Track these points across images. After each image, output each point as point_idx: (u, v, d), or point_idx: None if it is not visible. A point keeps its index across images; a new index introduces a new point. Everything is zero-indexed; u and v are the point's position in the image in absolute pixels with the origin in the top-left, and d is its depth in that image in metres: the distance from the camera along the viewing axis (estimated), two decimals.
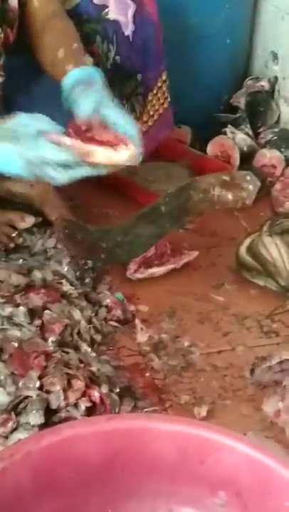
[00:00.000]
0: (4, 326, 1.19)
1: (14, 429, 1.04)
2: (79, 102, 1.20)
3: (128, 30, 1.54)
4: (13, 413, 1.06)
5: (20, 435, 1.02)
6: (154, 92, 1.63)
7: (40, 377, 1.12)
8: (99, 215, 1.71)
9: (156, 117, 1.66)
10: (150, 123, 1.66)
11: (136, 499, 0.95)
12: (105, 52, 1.52)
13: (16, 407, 1.07)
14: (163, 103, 1.66)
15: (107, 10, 1.52)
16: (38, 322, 1.24)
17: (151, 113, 1.65)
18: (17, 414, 1.06)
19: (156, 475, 0.95)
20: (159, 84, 1.64)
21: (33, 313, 1.25)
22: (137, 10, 1.54)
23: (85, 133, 1.13)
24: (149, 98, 1.63)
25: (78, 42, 1.36)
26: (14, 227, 1.54)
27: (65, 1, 1.53)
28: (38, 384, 1.11)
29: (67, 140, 1.10)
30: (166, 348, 1.35)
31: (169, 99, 1.67)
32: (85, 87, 1.22)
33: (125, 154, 1.11)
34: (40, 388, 1.11)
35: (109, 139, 1.13)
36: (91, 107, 1.18)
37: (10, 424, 1.03)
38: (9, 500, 0.87)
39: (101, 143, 1.11)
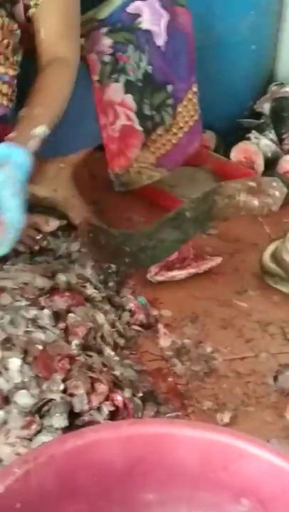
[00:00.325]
0: (29, 329, 1.19)
1: (38, 432, 1.04)
2: None
3: (160, 40, 1.53)
4: (37, 416, 1.06)
5: (44, 438, 1.03)
6: (184, 103, 1.62)
7: (64, 380, 1.12)
8: (122, 219, 1.72)
9: (186, 129, 1.64)
10: (180, 135, 1.64)
11: (157, 505, 0.95)
12: (137, 61, 1.52)
13: (40, 410, 1.08)
14: (193, 115, 1.65)
15: (140, 19, 1.51)
16: (62, 325, 1.24)
17: (181, 125, 1.63)
18: (41, 417, 1.06)
19: (178, 481, 0.95)
20: (190, 96, 1.62)
21: (57, 316, 1.26)
22: (170, 21, 1.54)
23: None
24: (179, 110, 1.62)
25: (47, 105, 1.33)
26: (39, 230, 1.55)
27: (99, 9, 1.53)
28: (62, 387, 1.11)
29: None
30: (189, 354, 1.35)
31: (199, 111, 1.65)
32: None
33: None
34: (64, 391, 1.11)
35: None
36: None
37: (34, 427, 1.04)
38: (33, 503, 0.87)
39: None
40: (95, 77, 1.52)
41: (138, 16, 1.51)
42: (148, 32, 1.52)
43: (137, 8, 1.52)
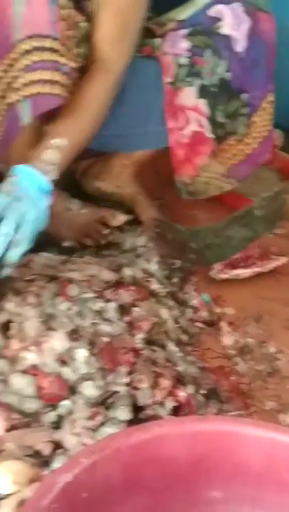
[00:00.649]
0: (95, 321, 1.20)
1: (102, 423, 1.05)
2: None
3: (239, 46, 1.49)
4: (102, 407, 1.07)
5: (108, 429, 1.03)
6: (259, 113, 1.57)
7: (128, 374, 1.13)
8: (186, 216, 1.71)
9: (260, 139, 1.60)
10: (254, 145, 1.60)
11: (221, 502, 0.95)
12: (213, 66, 1.49)
13: (105, 402, 1.09)
14: (267, 125, 1.60)
15: (220, 23, 1.48)
16: (126, 319, 1.25)
17: (254, 135, 1.59)
18: (106, 409, 1.07)
19: (242, 480, 0.94)
20: (264, 105, 1.57)
21: (122, 310, 1.26)
22: (252, 27, 1.50)
23: None
24: (254, 119, 1.58)
25: (76, 116, 1.32)
26: (106, 225, 1.57)
27: (180, 10, 1.52)
28: (126, 380, 1.12)
29: None
30: (252, 353, 1.35)
31: (273, 121, 1.61)
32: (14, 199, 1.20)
33: None
34: (128, 384, 1.12)
35: None
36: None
37: (99, 418, 1.04)
38: (98, 495, 0.88)
39: None
40: (168, 79, 1.50)
41: (218, 19, 1.48)
42: (227, 37, 1.48)
43: (218, 12, 1.49)
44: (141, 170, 1.66)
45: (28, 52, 1.26)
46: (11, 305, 1.16)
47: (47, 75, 1.28)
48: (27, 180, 1.23)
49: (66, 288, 1.25)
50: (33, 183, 1.23)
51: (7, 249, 1.16)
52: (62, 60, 1.29)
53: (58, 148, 1.28)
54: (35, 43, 1.26)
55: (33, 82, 1.28)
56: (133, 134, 1.56)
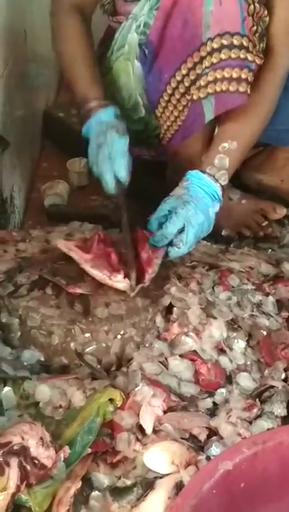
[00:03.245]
0: (254, 313, 1.20)
1: (258, 416, 1.05)
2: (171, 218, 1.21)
3: None
4: (257, 400, 1.07)
5: (264, 423, 1.03)
6: None
7: (285, 370, 1.12)
8: None
9: None
10: None
11: None
12: None
13: (261, 395, 1.08)
14: None
15: None
16: (284, 314, 1.24)
17: None
18: (261, 402, 1.07)
19: None
20: None
21: (280, 305, 1.25)
22: None
23: (109, 244, 1.20)
24: None
25: (243, 122, 1.33)
26: (265, 217, 1.56)
27: None
28: (283, 375, 1.11)
29: (73, 254, 1.19)
30: None
31: None
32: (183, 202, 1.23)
33: (117, 285, 1.15)
34: (285, 380, 1.11)
35: (114, 262, 1.17)
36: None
37: (255, 411, 1.04)
38: (256, 487, 0.88)
39: (109, 261, 1.17)
40: None
41: None
42: None
43: None
44: None
45: (216, 50, 1.26)
46: (173, 289, 1.18)
47: (234, 73, 1.28)
48: (198, 186, 1.26)
49: (227, 277, 1.25)
50: (204, 189, 1.26)
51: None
52: (250, 56, 1.27)
53: (228, 152, 1.29)
54: (225, 41, 1.26)
55: (218, 80, 1.28)
56: None
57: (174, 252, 1.22)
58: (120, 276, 1.15)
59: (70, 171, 1.78)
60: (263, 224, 1.54)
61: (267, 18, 1.34)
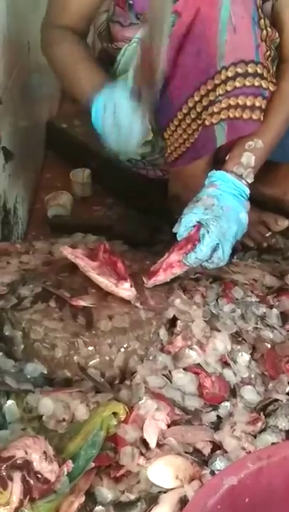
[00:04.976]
0: (258, 326, 1.20)
1: (262, 430, 1.04)
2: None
3: None
4: (262, 413, 1.06)
5: (268, 437, 1.02)
6: None
7: None
8: None
9: None
10: None
11: None
12: None
13: (265, 408, 1.08)
14: None
15: None
16: (288, 327, 1.23)
17: None
18: (266, 416, 1.06)
19: None
20: None
21: (284, 317, 1.25)
22: None
23: (114, 254, 1.21)
24: None
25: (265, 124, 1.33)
26: (269, 228, 1.55)
27: None
28: (287, 389, 1.10)
29: (79, 261, 1.19)
30: None
31: None
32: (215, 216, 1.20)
33: (123, 293, 1.16)
34: None
35: (120, 270, 1.18)
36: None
37: (259, 424, 1.04)
38: (261, 502, 0.88)
39: (115, 270, 1.18)
40: None
41: None
42: None
43: None
44: None
45: (230, 78, 1.26)
46: (178, 301, 1.18)
47: (248, 101, 1.28)
48: (227, 192, 1.23)
49: (231, 290, 1.25)
50: (233, 192, 1.24)
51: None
52: (264, 84, 1.28)
53: (254, 150, 1.28)
54: (239, 69, 1.26)
55: (232, 106, 1.28)
56: None
57: (212, 266, 1.21)
58: (127, 285, 1.15)
59: (74, 181, 1.78)
60: (267, 235, 1.54)
61: (278, 40, 1.34)
